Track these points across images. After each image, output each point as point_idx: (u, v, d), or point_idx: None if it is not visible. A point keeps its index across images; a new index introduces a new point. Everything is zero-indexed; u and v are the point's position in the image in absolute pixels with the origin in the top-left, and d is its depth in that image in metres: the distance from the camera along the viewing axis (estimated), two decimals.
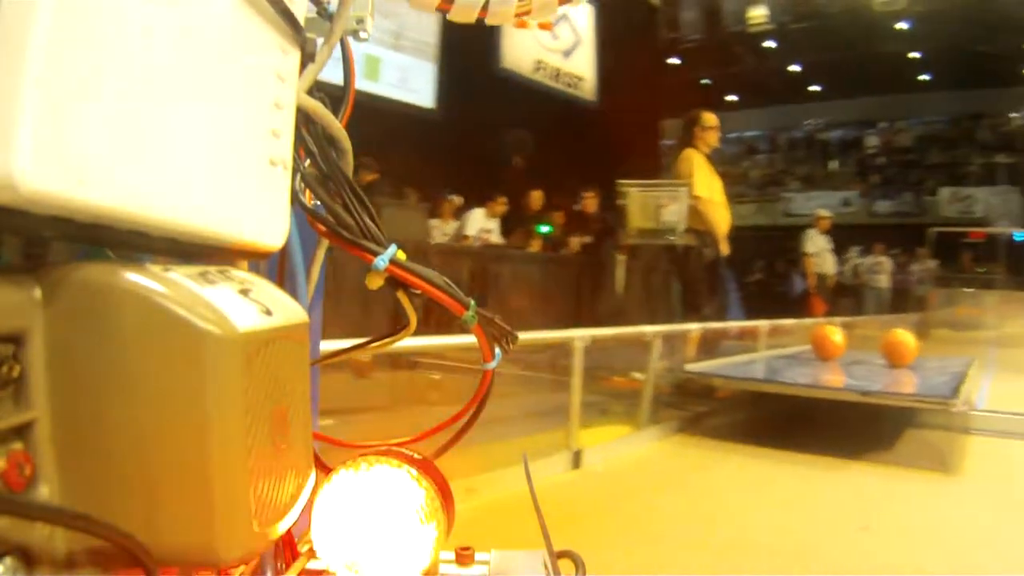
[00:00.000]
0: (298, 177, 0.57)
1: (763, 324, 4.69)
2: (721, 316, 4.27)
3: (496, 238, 6.00)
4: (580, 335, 2.63)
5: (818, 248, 7.50)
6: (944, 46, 12.71)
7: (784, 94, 14.26)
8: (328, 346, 0.77)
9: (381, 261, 0.57)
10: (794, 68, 14.30)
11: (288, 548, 0.61)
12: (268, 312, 0.42)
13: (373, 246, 0.57)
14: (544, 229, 6.33)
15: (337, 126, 0.60)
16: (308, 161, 0.58)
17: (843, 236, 8.16)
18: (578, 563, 0.64)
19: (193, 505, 0.35)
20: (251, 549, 0.38)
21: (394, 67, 5.94)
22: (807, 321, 5.75)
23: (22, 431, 0.32)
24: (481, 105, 6.31)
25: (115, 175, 0.33)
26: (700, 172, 4.27)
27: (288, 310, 0.45)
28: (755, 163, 15.47)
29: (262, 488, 0.39)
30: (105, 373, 0.34)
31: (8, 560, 0.30)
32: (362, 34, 0.69)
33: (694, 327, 3.86)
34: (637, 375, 3.29)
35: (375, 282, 0.59)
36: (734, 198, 4.51)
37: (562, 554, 0.66)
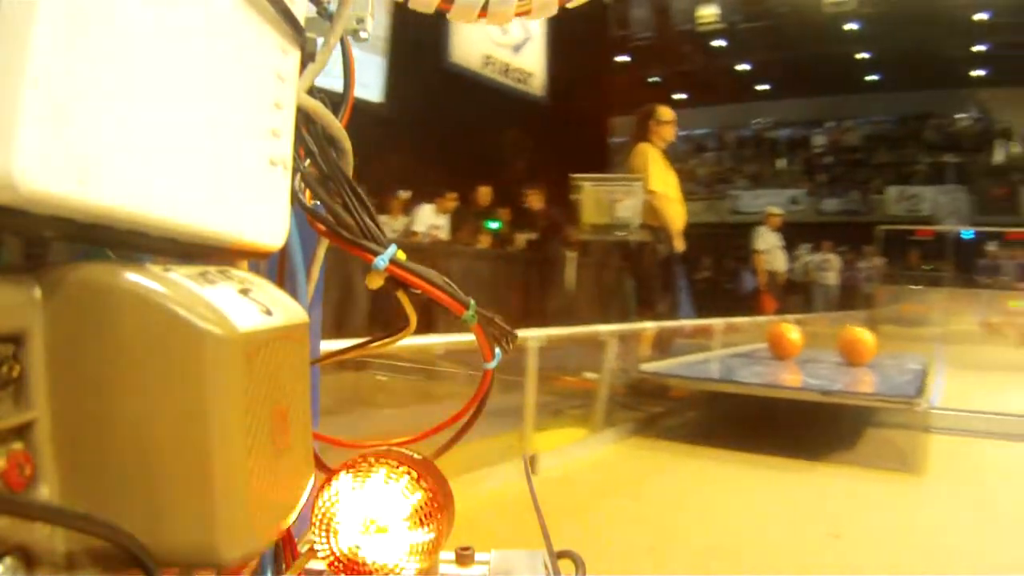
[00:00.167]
0: (298, 177, 0.57)
1: (717, 322, 4.65)
2: (674, 314, 4.23)
3: (445, 235, 5.97)
4: (535, 335, 2.55)
5: (769, 245, 7.49)
6: (892, 47, 13.06)
7: (733, 93, 14.43)
8: (328, 346, 0.77)
9: (381, 261, 0.57)
10: (743, 67, 14.49)
11: (288, 548, 0.61)
12: (268, 312, 0.42)
13: (373, 246, 0.57)
14: (493, 225, 6.30)
15: (337, 126, 0.60)
16: (308, 161, 0.58)
17: (791, 234, 8.19)
18: (578, 563, 0.64)
19: (193, 505, 0.35)
20: (251, 549, 0.38)
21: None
22: (760, 319, 5.75)
23: (22, 431, 0.32)
24: (430, 100, 6.29)
25: (115, 175, 0.33)
26: (655, 167, 4.21)
27: (288, 310, 0.45)
28: (703, 161, 15.55)
29: (262, 488, 0.39)
30: (105, 373, 0.34)
31: (8, 560, 0.30)
32: (362, 34, 0.69)
33: (649, 326, 3.81)
34: (591, 375, 3.22)
35: (375, 282, 0.59)
36: (682, 196, 4.45)
37: (562, 554, 0.66)
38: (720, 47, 13.60)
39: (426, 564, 0.58)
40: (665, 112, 4.32)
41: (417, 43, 5.73)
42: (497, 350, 0.67)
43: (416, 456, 0.63)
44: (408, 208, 5.98)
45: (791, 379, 3.34)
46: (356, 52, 0.68)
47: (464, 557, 0.67)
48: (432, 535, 0.58)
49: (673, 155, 4.40)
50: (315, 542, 0.58)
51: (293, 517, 0.45)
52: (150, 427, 0.34)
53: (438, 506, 0.59)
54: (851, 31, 12.83)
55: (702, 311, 4.90)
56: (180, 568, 0.36)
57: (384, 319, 4.54)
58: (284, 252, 0.63)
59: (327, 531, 0.57)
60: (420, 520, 0.57)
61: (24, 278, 0.33)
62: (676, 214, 4.27)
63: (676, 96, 14.40)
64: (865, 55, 13.96)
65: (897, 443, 2.89)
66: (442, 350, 2.49)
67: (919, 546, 1.87)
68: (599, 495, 2.35)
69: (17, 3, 0.28)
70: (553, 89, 6.66)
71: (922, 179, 13.72)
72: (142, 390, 0.34)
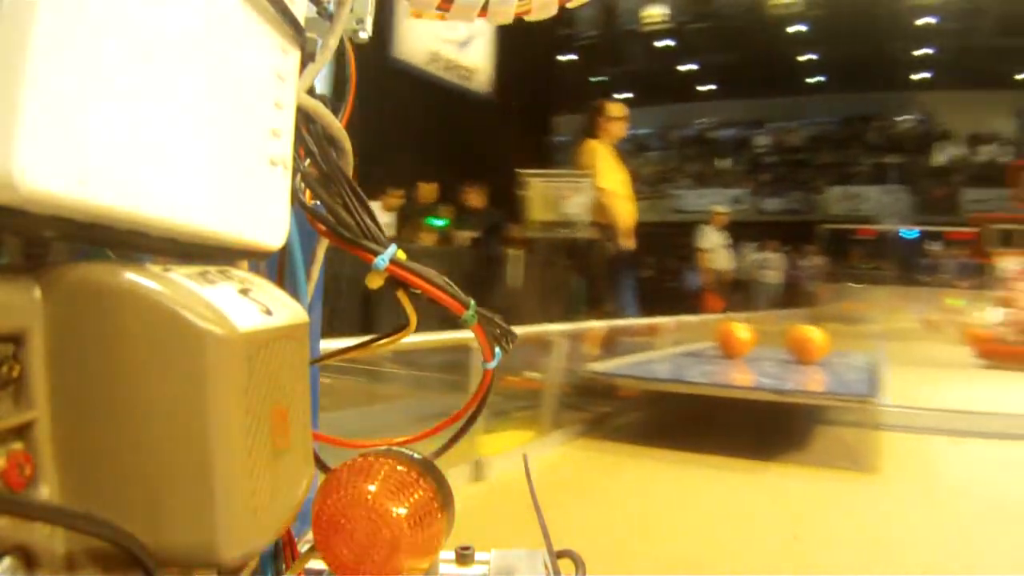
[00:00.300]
0: (298, 177, 0.57)
1: (665, 321, 4.59)
2: (621, 313, 4.16)
3: (390, 232, 5.94)
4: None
5: (713, 244, 7.46)
6: (836, 50, 13.33)
7: (677, 92, 14.49)
8: (328, 345, 0.77)
9: (381, 261, 0.57)
10: (689, 67, 14.61)
11: (288, 548, 0.61)
12: (268, 312, 0.42)
13: (373, 246, 0.57)
14: (438, 223, 6.26)
15: (337, 126, 0.60)
16: (308, 161, 0.58)
17: (734, 232, 8.21)
18: (578, 563, 0.64)
19: (193, 505, 0.35)
20: (251, 549, 0.38)
21: None
22: (705, 317, 5.72)
23: (22, 431, 0.32)
24: (375, 96, 6.27)
25: (115, 175, 0.33)
26: (603, 163, 4.14)
27: (288, 310, 0.45)
28: (647, 160, 15.55)
29: (262, 488, 0.39)
30: (105, 373, 0.34)
31: (8, 560, 0.30)
32: (362, 34, 0.69)
33: (598, 325, 3.74)
34: (537, 375, 3.15)
35: (375, 282, 0.59)
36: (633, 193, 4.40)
37: (562, 554, 0.66)
38: (666, 47, 13.67)
39: (426, 564, 0.58)
40: (614, 108, 4.26)
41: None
42: (497, 350, 0.67)
43: (416, 456, 0.63)
44: None
45: (743, 378, 3.29)
46: None
47: (464, 557, 0.67)
48: (432, 535, 0.58)
49: (616, 154, 4.34)
50: (315, 542, 0.58)
51: (293, 517, 0.45)
52: (150, 427, 0.34)
53: (438, 506, 0.59)
54: (796, 33, 13.06)
55: (647, 310, 4.86)
56: (180, 568, 0.36)
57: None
58: (284, 252, 0.63)
59: (327, 531, 0.57)
60: (420, 519, 0.57)
61: (24, 278, 0.33)
62: (625, 211, 4.20)
63: (621, 95, 14.51)
64: (810, 57, 14.28)
65: (849, 441, 2.88)
66: (388, 352, 2.45)
67: (880, 547, 1.86)
68: (549, 500, 2.30)
69: (17, 3, 0.28)
70: (499, 87, 6.67)
71: (864, 179, 13.98)
72: (142, 390, 0.34)
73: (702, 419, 3.07)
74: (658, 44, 13.62)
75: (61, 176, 0.29)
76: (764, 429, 2.93)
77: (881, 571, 1.69)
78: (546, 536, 0.66)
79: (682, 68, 14.55)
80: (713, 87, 15.36)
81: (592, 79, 14.09)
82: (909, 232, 12.08)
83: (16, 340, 0.31)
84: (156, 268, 0.36)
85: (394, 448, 0.64)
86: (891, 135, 14.46)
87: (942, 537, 1.92)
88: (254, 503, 0.37)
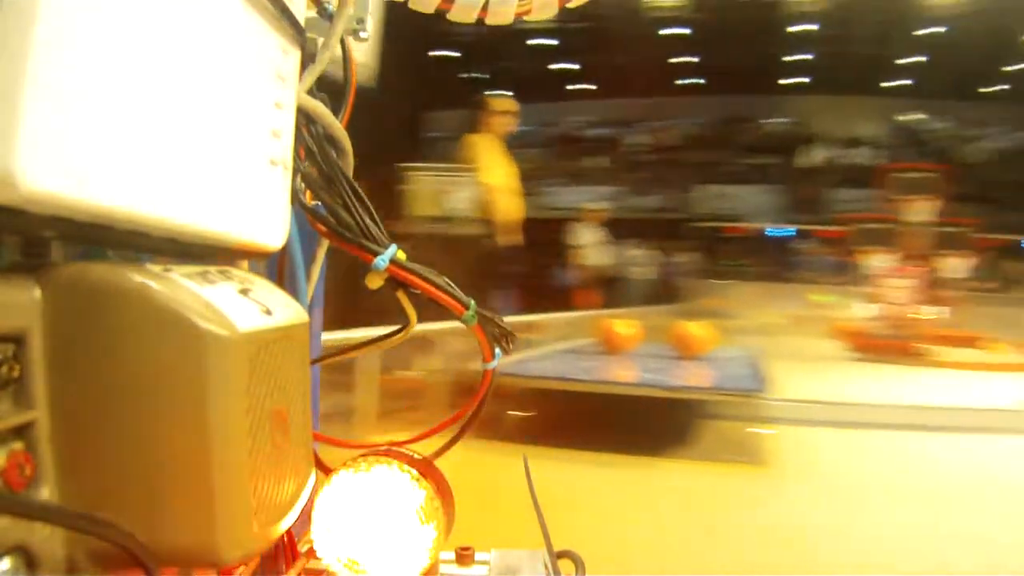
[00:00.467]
0: (298, 177, 0.57)
1: (546, 317, 4.53)
2: (503, 309, 4.11)
3: None
4: (362, 335, 2.44)
5: (587, 241, 7.46)
6: (711, 53, 13.66)
7: (553, 91, 14.55)
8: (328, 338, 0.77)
9: (381, 261, 0.57)
10: (566, 66, 14.81)
11: (288, 548, 0.61)
12: (268, 312, 0.42)
13: (373, 246, 0.57)
14: None
15: (337, 126, 0.60)
16: (308, 161, 0.58)
17: (607, 229, 8.24)
18: (578, 563, 0.64)
19: (193, 505, 0.35)
20: (251, 549, 0.38)
21: None
22: (588, 313, 5.68)
23: (22, 431, 0.32)
24: None
25: (115, 175, 0.33)
26: (487, 158, 4.08)
27: (288, 310, 0.45)
28: (521, 157, 15.59)
29: (262, 488, 0.39)
30: (105, 373, 0.34)
31: (8, 560, 0.30)
32: (362, 34, 0.69)
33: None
34: (417, 374, 3.11)
35: (375, 282, 0.59)
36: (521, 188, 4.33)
37: (562, 554, 0.66)
38: (545, 46, 13.77)
39: (426, 564, 0.58)
40: (499, 103, 4.20)
41: None
42: (497, 350, 0.67)
43: (416, 456, 0.63)
44: None
45: (630, 374, 3.25)
46: None
47: (464, 557, 0.67)
48: (432, 535, 0.58)
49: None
50: (315, 542, 0.58)
51: (293, 517, 0.45)
52: (150, 427, 0.34)
53: (438, 506, 0.59)
54: (674, 35, 13.39)
55: (523, 306, 4.80)
56: (180, 568, 0.36)
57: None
58: (284, 252, 0.63)
59: (327, 531, 0.57)
60: (420, 520, 0.57)
61: (24, 278, 0.33)
62: (511, 207, 4.14)
63: (498, 93, 14.62)
64: (685, 59, 14.60)
65: (735, 436, 2.87)
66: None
67: (785, 540, 1.83)
68: None
69: (18, 3, 0.28)
70: (377, 82, 6.64)
71: (735, 179, 14.27)
72: (142, 390, 0.34)
73: (587, 416, 3.01)
74: (536, 43, 13.73)
75: (61, 176, 0.29)
76: (649, 425, 2.88)
77: (786, 565, 1.68)
78: (546, 536, 0.66)
79: (559, 67, 14.73)
80: (590, 86, 15.59)
81: (469, 76, 14.20)
82: (779, 230, 12.44)
83: (16, 340, 0.31)
84: (156, 268, 0.36)
85: (394, 448, 0.64)
86: (763, 137, 14.93)
87: (841, 528, 1.92)
88: (254, 503, 0.37)
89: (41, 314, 0.32)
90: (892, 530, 1.89)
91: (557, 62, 14.45)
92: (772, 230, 12.29)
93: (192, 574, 0.39)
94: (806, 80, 14.53)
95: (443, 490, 0.62)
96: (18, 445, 0.31)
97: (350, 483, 0.58)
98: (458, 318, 0.62)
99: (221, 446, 0.35)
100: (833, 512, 2.04)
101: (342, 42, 0.65)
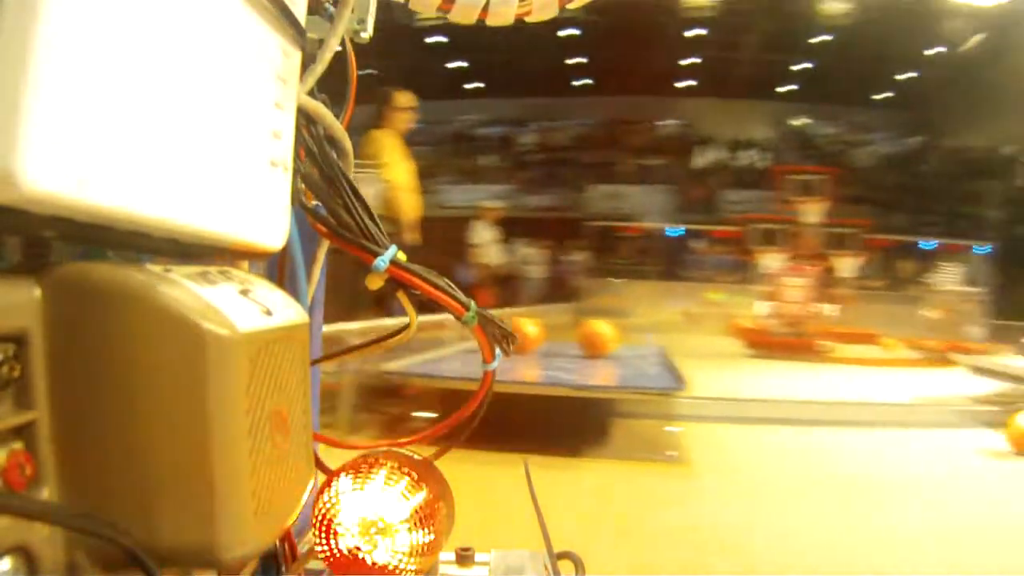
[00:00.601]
0: (299, 178, 0.57)
1: (451, 317, 4.46)
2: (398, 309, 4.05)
3: None
4: None
5: (485, 239, 7.42)
6: (604, 55, 13.78)
7: (445, 89, 14.62)
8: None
9: (382, 262, 0.57)
10: (458, 64, 14.84)
11: (288, 548, 0.61)
12: (268, 312, 0.42)
13: (373, 247, 0.57)
14: None
15: (338, 127, 0.60)
16: (309, 162, 0.58)
17: (501, 228, 8.22)
18: (578, 563, 0.64)
19: (194, 505, 0.35)
20: (251, 549, 0.38)
21: None
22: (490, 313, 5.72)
23: (22, 431, 0.32)
24: None
25: (115, 175, 0.33)
26: (390, 155, 4.02)
27: (288, 310, 0.45)
28: (413, 155, 15.60)
29: (263, 488, 0.39)
30: (105, 373, 0.34)
31: (8, 560, 0.30)
32: (363, 34, 0.69)
33: (390, 323, 3.61)
34: (328, 375, 3.04)
35: (375, 283, 0.59)
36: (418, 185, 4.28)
37: (562, 555, 0.66)
38: (436, 43, 13.80)
39: (426, 565, 0.58)
40: (401, 98, 4.13)
41: None
42: (497, 351, 0.67)
43: (416, 457, 0.63)
44: None
45: (543, 374, 3.20)
46: None
47: (464, 557, 0.67)
48: (432, 536, 0.58)
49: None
50: (315, 543, 0.58)
51: (293, 518, 0.45)
52: (150, 427, 0.34)
53: (438, 507, 0.59)
54: (567, 37, 13.56)
55: (421, 306, 4.74)
56: (180, 568, 0.36)
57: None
58: (284, 252, 0.63)
59: (327, 532, 0.57)
60: (420, 521, 0.57)
61: (24, 278, 0.33)
62: (411, 204, 4.09)
63: (388, 89, 14.70)
64: (578, 60, 14.79)
65: (651, 434, 2.88)
66: None
67: (714, 540, 1.82)
68: None
69: (19, 4, 0.28)
70: None
71: (626, 179, 14.47)
72: (142, 390, 0.34)
73: (498, 417, 2.93)
74: (429, 40, 13.75)
75: (61, 176, 0.30)
76: (565, 425, 2.85)
77: (717, 563, 1.68)
78: (546, 537, 0.66)
79: (451, 65, 14.76)
80: (481, 85, 15.70)
81: (361, 71, 14.34)
82: (673, 230, 12.63)
83: (16, 340, 0.31)
84: (156, 268, 0.36)
85: (394, 449, 0.64)
86: (653, 138, 15.22)
87: (757, 525, 1.93)
88: (254, 504, 0.37)
89: (41, 314, 0.32)
90: (810, 527, 1.91)
91: (450, 60, 14.50)
92: (667, 229, 12.53)
93: (192, 574, 0.39)
94: (698, 83, 14.93)
95: (443, 491, 0.62)
96: (18, 445, 0.31)
97: (350, 484, 0.58)
98: (459, 319, 0.62)
99: (221, 446, 0.35)
100: (749, 510, 2.05)
101: (342, 43, 0.65)
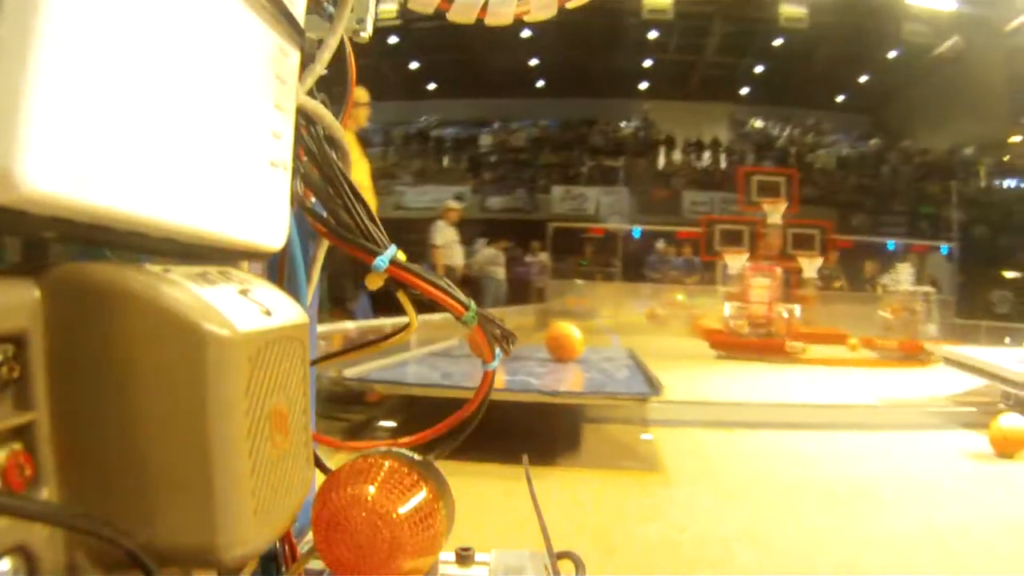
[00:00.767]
0: (298, 178, 0.57)
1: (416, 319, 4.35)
2: (361, 311, 3.95)
3: None
4: None
5: (447, 240, 7.28)
6: (564, 57, 13.93)
7: (402, 90, 14.65)
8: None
9: (382, 262, 0.57)
10: (414, 65, 14.83)
11: (288, 548, 0.61)
12: (268, 312, 0.42)
13: (373, 247, 0.57)
14: None
15: (337, 127, 0.60)
16: (308, 162, 0.58)
17: (460, 229, 8.17)
18: (578, 563, 0.64)
19: (193, 505, 0.35)
20: (251, 549, 0.38)
21: None
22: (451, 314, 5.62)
23: (22, 431, 0.32)
24: None
25: (115, 176, 0.33)
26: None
27: (288, 310, 0.45)
28: (368, 156, 15.56)
29: (262, 488, 0.39)
30: (105, 374, 0.34)
31: (8, 560, 0.30)
32: (363, 34, 0.69)
33: (349, 326, 3.54)
34: None
35: (375, 283, 0.59)
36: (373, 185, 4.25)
37: (562, 555, 0.66)
38: (392, 44, 13.83)
39: (426, 565, 0.58)
40: (360, 94, 4.07)
41: None
42: (497, 351, 0.67)
43: (416, 457, 0.63)
44: None
45: (510, 379, 3.01)
46: None
47: (464, 557, 0.67)
48: (432, 535, 0.58)
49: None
50: (315, 542, 0.58)
51: (293, 518, 0.45)
52: (150, 428, 0.34)
53: (438, 507, 0.59)
54: (527, 38, 13.61)
55: (385, 308, 4.51)
56: (180, 568, 0.36)
57: None
58: (284, 252, 0.63)
59: (327, 532, 0.57)
60: (420, 520, 0.57)
61: (24, 278, 0.33)
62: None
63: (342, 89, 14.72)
64: (538, 62, 14.90)
65: (625, 440, 2.81)
66: None
67: (697, 554, 1.74)
68: None
69: (20, 5, 0.28)
70: None
71: (587, 180, 14.52)
72: (142, 391, 0.34)
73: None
74: (386, 41, 13.74)
75: (61, 177, 0.30)
76: (534, 433, 2.71)
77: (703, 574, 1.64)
78: (546, 537, 0.66)
79: (409, 66, 14.76)
80: (438, 85, 15.72)
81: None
82: (635, 230, 12.60)
83: (16, 341, 0.31)
84: (156, 269, 0.36)
85: (394, 449, 0.64)
86: (614, 139, 15.27)
87: (750, 535, 1.87)
88: (254, 504, 0.37)
89: (41, 314, 0.33)
90: (796, 538, 1.85)
91: (407, 60, 14.51)
92: (630, 230, 12.53)
93: (192, 574, 0.39)
94: (659, 85, 15.07)
95: (442, 491, 0.62)
96: (18, 445, 0.31)
97: (350, 484, 0.58)
98: (458, 319, 0.62)
99: (221, 446, 0.35)
100: (731, 520, 1.98)
101: (342, 43, 0.65)
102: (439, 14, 0.73)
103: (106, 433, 0.34)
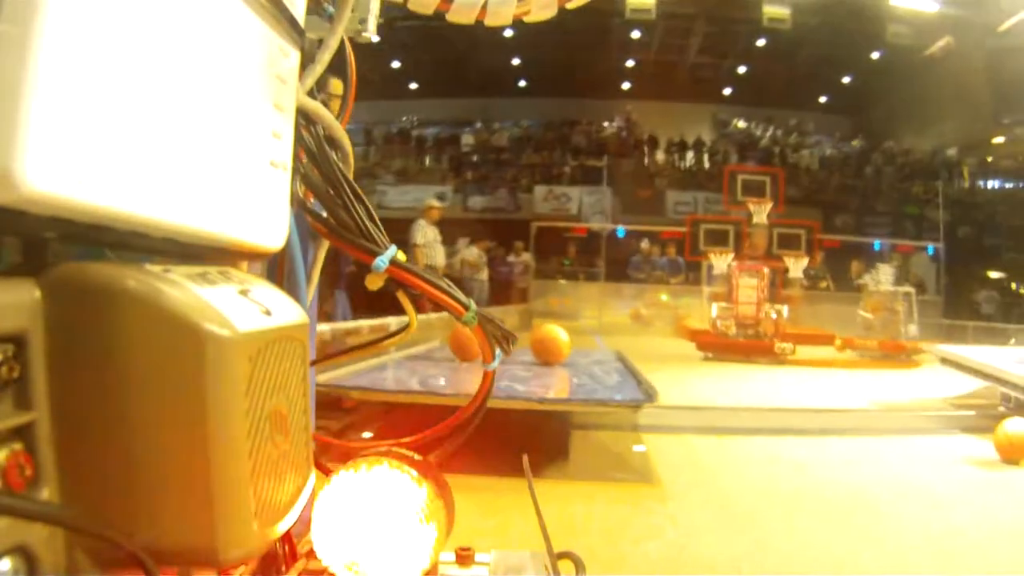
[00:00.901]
0: (299, 178, 0.57)
1: (394, 320, 3.99)
2: (339, 312, 3.90)
3: None
4: None
5: (428, 239, 7.15)
6: (546, 56, 13.97)
7: (383, 89, 14.64)
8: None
9: (382, 262, 0.57)
10: (395, 64, 14.69)
11: (288, 548, 0.61)
12: (268, 313, 0.42)
13: (373, 247, 0.57)
14: None
15: (337, 127, 0.60)
16: (309, 162, 0.58)
17: (441, 229, 8.10)
18: (578, 563, 0.64)
19: (193, 505, 0.35)
20: (251, 549, 0.38)
21: None
22: (432, 316, 5.51)
23: (22, 431, 0.32)
24: None
25: (115, 176, 0.33)
26: None
27: (288, 310, 0.45)
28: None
29: (262, 488, 0.39)
30: (105, 374, 0.34)
31: (8, 560, 0.30)
32: (365, 34, 0.69)
33: (324, 328, 3.38)
34: None
35: (375, 283, 0.59)
36: None
37: (562, 555, 0.66)
38: (373, 43, 13.87)
39: (426, 564, 0.58)
40: (333, 85, 4.14)
41: None
42: (498, 351, 0.67)
43: (416, 457, 0.63)
44: None
45: (495, 385, 2.84)
46: None
47: (464, 557, 0.67)
48: (432, 535, 0.58)
49: None
50: (315, 543, 0.58)
51: (293, 518, 0.45)
52: (150, 428, 0.34)
53: (438, 506, 0.59)
54: (510, 37, 13.58)
55: (364, 308, 4.43)
56: (180, 568, 0.36)
57: None
58: (284, 252, 0.63)
59: (327, 531, 0.57)
60: (420, 520, 0.57)
61: (24, 278, 0.33)
62: None
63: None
64: (520, 61, 14.92)
65: (616, 449, 2.68)
66: None
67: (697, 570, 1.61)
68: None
69: (21, 6, 0.28)
70: None
71: (569, 180, 14.42)
72: (142, 391, 0.34)
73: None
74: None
75: (61, 178, 0.30)
76: (519, 441, 2.39)
77: None
78: (546, 537, 0.66)
79: (390, 65, 14.66)
80: (418, 85, 15.67)
81: None
82: (619, 230, 12.50)
83: (16, 340, 0.31)
84: (156, 269, 0.36)
85: (394, 449, 0.64)
86: (596, 139, 15.21)
87: (756, 555, 1.73)
88: (254, 504, 0.37)
89: (41, 314, 0.33)
90: (808, 558, 1.72)
91: (388, 60, 14.44)
92: (613, 230, 12.45)
93: (192, 574, 0.39)
94: (642, 85, 15.04)
95: (443, 490, 0.61)
96: (18, 445, 0.31)
97: (350, 484, 0.58)
98: (458, 319, 0.62)
99: (221, 447, 0.35)
100: (734, 539, 1.82)
101: (342, 43, 0.65)
102: (438, 14, 0.73)
103: (106, 433, 0.34)
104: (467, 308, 0.62)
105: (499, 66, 14.65)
